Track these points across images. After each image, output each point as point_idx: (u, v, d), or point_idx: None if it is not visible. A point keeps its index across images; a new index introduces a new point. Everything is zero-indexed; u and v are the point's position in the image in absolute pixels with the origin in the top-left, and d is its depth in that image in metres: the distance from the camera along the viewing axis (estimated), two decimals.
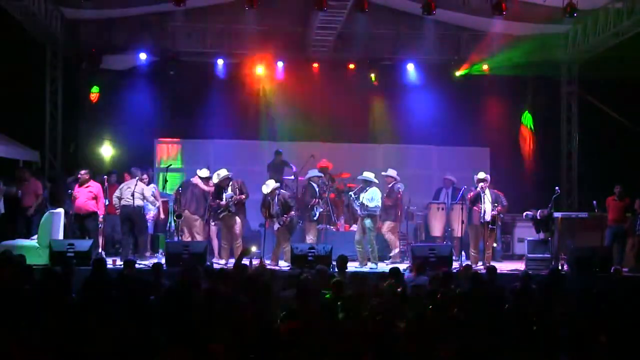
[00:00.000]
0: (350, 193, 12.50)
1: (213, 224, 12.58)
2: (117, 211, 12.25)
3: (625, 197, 12.67)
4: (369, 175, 12.39)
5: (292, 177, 13.99)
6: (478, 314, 5.88)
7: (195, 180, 12.58)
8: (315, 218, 12.55)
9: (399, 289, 7.72)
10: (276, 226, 12.18)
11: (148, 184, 12.66)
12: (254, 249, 11.76)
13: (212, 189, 12.43)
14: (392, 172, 12.99)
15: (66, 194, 12.78)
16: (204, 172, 12.61)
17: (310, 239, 12.46)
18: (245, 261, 11.91)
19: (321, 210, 12.65)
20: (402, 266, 12.09)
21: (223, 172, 12.24)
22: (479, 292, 7.24)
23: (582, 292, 7.35)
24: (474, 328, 5.28)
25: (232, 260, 12.16)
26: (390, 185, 12.82)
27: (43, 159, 14.80)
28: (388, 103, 15.81)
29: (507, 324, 5.33)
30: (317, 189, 12.69)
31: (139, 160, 14.04)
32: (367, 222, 12.16)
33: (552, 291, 7.54)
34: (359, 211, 12.18)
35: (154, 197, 12.67)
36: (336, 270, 10.18)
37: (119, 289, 7.70)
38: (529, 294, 7.23)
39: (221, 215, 12.26)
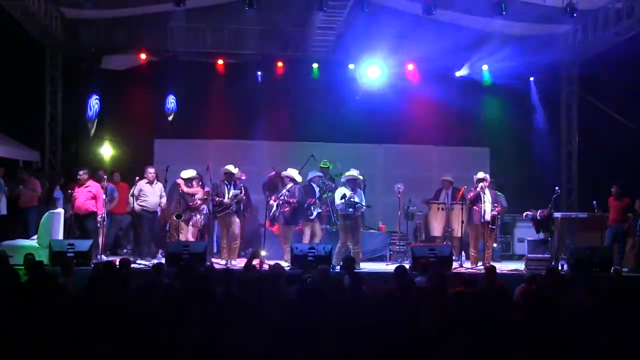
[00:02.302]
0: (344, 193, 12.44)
1: (191, 223, 12.57)
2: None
3: (624, 197, 12.66)
4: (355, 173, 12.38)
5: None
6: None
7: (178, 180, 12.63)
8: (311, 217, 12.55)
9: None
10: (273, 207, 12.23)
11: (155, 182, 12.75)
12: (263, 252, 11.75)
13: (194, 190, 12.48)
14: (354, 172, 12.95)
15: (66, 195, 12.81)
16: (185, 173, 12.60)
17: (307, 239, 12.50)
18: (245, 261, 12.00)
19: (320, 210, 12.66)
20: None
21: (231, 168, 12.31)
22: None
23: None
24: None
25: (234, 261, 12.24)
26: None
27: (43, 159, 14.81)
28: (388, 103, 15.79)
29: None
30: (316, 190, 12.71)
31: (139, 160, 14.07)
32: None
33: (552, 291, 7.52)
34: (352, 211, 12.13)
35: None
36: (337, 270, 10.26)
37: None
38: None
39: (221, 214, 12.27)
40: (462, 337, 5.20)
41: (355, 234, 12.11)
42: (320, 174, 13.10)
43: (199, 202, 12.46)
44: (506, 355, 5.06)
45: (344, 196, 12.02)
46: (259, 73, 15.38)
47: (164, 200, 12.64)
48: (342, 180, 12.44)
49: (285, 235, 12.41)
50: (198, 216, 12.53)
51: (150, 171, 12.56)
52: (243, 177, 12.83)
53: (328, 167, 13.67)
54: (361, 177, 12.52)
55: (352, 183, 12.20)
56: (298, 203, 12.33)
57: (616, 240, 12.52)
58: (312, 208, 12.54)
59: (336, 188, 12.96)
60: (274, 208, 12.32)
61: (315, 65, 15.43)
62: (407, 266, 11.86)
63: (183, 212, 12.50)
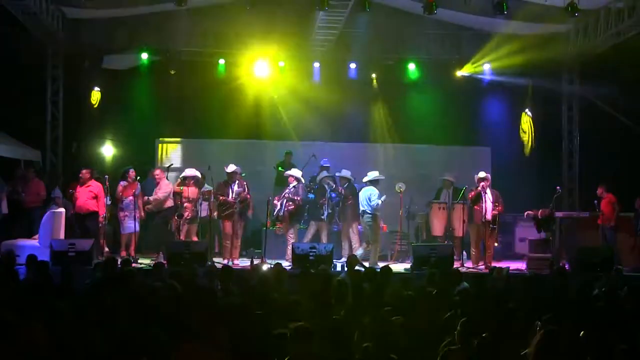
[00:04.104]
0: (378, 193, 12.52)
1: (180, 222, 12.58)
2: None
3: (607, 194, 12.69)
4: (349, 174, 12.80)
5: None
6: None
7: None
8: (323, 217, 12.61)
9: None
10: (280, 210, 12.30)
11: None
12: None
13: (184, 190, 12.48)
14: (346, 173, 13.00)
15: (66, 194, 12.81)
16: (184, 172, 12.62)
17: (309, 237, 12.61)
18: (246, 261, 12.02)
19: (330, 211, 12.70)
20: (405, 265, 12.22)
21: (231, 167, 12.33)
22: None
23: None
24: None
25: (236, 260, 12.26)
26: (347, 185, 12.87)
27: (44, 158, 14.80)
28: (389, 102, 15.80)
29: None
30: (328, 190, 12.75)
31: (140, 160, 14.07)
32: None
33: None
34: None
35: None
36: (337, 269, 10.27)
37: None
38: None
39: (225, 213, 12.26)
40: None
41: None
42: (328, 174, 13.15)
43: (183, 200, 12.42)
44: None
45: (379, 196, 12.14)
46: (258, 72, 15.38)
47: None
48: (366, 180, 12.51)
49: (290, 233, 12.42)
50: (185, 214, 12.50)
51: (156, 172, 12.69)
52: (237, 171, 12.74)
53: (327, 166, 13.70)
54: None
55: (377, 184, 12.32)
56: (302, 201, 12.40)
57: (605, 239, 12.54)
58: (323, 208, 12.59)
59: (329, 187, 13.05)
60: (278, 207, 12.34)
61: (316, 65, 15.42)
62: (408, 265, 12.07)
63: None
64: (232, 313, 5.92)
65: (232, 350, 5.28)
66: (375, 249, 12.32)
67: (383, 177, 12.65)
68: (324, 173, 13.11)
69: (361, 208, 12.41)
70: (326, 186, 12.80)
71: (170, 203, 12.50)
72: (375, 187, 12.38)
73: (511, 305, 6.24)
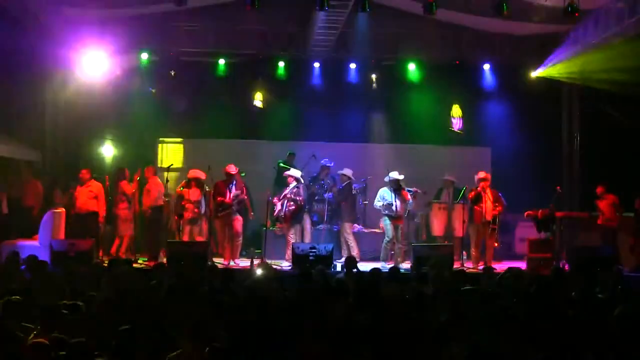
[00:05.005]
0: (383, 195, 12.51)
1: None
2: None
3: (608, 195, 12.69)
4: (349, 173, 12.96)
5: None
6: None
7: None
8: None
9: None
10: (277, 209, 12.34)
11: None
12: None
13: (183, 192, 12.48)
14: (347, 172, 13.00)
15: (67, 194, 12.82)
16: (189, 173, 12.63)
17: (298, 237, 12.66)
18: (246, 261, 12.04)
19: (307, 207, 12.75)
20: (405, 265, 12.22)
21: (231, 169, 12.35)
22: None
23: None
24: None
25: (236, 260, 12.28)
26: (345, 184, 12.89)
27: (44, 158, 14.80)
28: (389, 103, 15.79)
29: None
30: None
31: (140, 160, 14.07)
32: None
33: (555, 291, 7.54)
34: (393, 212, 12.37)
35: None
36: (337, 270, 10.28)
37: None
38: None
39: (222, 214, 12.27)
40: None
41: (397, 232, 12.37)
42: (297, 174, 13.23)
43: (185, 202, 12.42)
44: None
45: (383, 198, 12.10)
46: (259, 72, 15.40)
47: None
48: (386, 180, 12.52)
49: (291, 233, 12.44)
50: (187, 215, 12.50)
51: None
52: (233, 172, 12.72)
53: (328, 166, 13.71)
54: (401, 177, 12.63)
55: (395, 184, 12.23)
56: (303, 201, 12.44)
57: (606, 239, 12.54)
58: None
59: (329, 187, 13.05)
60: (279, 207, 12.36)
61: (316, 65, 15.42)
62: (408, 265, 12.06)
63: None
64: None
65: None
66: (385, 248, 12.33)
67: (401, 177, 12.58)
68: (296, 172, 13.18)
69: None
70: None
71: (161, 202, 12.57)
72: (388, 188, 12.36)
73: (510, 306, 6.23)
